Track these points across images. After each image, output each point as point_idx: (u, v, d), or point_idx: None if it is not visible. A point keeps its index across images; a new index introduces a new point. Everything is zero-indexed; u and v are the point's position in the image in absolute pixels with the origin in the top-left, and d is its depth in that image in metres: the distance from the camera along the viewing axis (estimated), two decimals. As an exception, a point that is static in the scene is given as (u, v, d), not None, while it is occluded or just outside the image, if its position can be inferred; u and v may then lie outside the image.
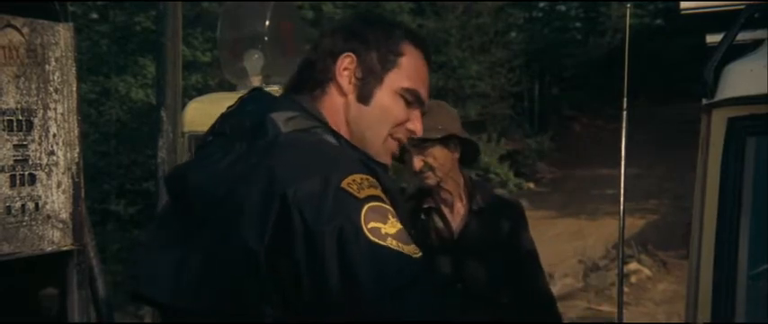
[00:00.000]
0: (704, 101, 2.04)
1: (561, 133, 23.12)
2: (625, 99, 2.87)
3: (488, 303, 2.79)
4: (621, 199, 2.95)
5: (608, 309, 9.96)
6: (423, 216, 2.87)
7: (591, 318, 9.50)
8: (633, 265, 11.68)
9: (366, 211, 1.35)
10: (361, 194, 1.37)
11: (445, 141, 2.78)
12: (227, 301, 1.41)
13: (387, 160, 1.62)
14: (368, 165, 1.46)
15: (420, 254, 1.37)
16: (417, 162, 2.76)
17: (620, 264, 3.15)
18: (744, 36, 2.30)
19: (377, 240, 1.33)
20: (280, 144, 1.45)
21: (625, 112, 2.88)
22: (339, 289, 1.31)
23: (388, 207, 1.39)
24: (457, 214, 2.86)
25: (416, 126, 1.63)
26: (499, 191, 3.16)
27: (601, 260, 12.47)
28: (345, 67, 1.59)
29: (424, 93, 1.63)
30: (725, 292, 1.89)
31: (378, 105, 1.60)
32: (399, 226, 1.38)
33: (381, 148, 1.61)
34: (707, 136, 2.00)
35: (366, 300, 1.31)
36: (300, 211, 1.35)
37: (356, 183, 1.38)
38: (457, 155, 2.83)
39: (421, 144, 2.73)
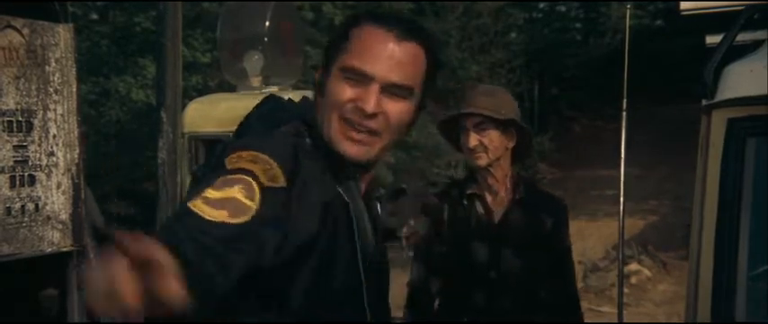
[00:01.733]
0: (704, 102, 2.04)
1: (561, 134, 23.12)
2: (625, 100, 2.87)
3: (520, 295, 2.80)
4: (621, 200, 2.95)
5: (608, 309, 9.96)
6: (465, 202, 2.87)
7: (591, 318, 9.49)
8: (633, 266, 11.68)
9: (220, 180, 1.38)
10: (230, 165, 1.41)
11: (504, 126, 2.80)
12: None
13: (347, 149, 1.56)
14: (289, 154, 1.49)
15: (224, 220, 1.31)
16: (473, 139, 2.78)
17: (621, 264, 3.15)
18: (744, 37, 2.30)
19: (187, 201, 1.35)
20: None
21: (625, 113, 2.88)
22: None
23: (248, 180, 1.38)
24: (499, 203, 2.87)
25: (367, 103, 1.53)
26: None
27: (601, 261, 12.47)
28: (319, 72, 1.65)
29: (375, 67, 1.54)
30: (725, 292, 1.89)
31: (327, 93, 1.59)
32: (234, 195, 1.35)
33: (335, 134, 1.57)
34: (707, 137, 2.00)
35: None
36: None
37: (239, 157, 1.43)
38: (511, 144, 2.84)
39: (481, 124, 2.77)
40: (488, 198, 2.87)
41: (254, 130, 1.59)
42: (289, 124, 1.59)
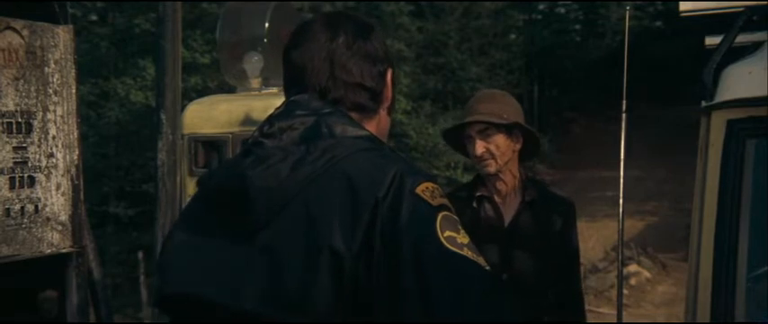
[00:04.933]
0: (703, 103, 2.04)
1: (561, 135, 23.13)
2: (624, 101, 2.87)
3: (532, 296, 2.81)
4: (621, 201, 2.95)
5: (607, 311, 9.97)
6: (474, 204, 2.88)
7: (591, 319, 9.48)
8: (633, 267, 11.70)
9: (441, 219, 1.35)
10: (435, 202, 1.38)
11: (509, 130, 2.80)
12: (298, 301, 1.39)
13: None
14: (429, 174, 1.47)
15: (487, 267, 1.37)
16: (480, 147, 2.78)
17: (620, 266, 3.15)
18: (743, 38, 2.30)
19: (454, 249, 1.34)
20: (343, 146, 1.45)
21: (624, 114, 2.88)
22: (413, 297, 1.31)
23: (456, 218, 1.39)
24: (509, 205, 2.87)
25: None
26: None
27: (600, 262, 12.47)
28: (391, 83, 1.62)
29: None
30: (724, 294, 1.89)
31: (392, 111, 1.64)
32: (468, 238, 1.38)
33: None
34: (706, 138, 2.00)
35: (440, 309, 1.30)
36: (382, 218, 1.35)
37: (429, 190, 1.39)
38: (518, 146, 2.85)
39: (485, 130, 2.77)
40: (498, 200, 2.88)
41: (374, 148, 1.50)
42: (370, 138, 1.52)
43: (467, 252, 1.34)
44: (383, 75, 1.60)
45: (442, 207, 1.38)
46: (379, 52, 1.60)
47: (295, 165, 1.44)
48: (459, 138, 2.91)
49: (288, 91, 1.63)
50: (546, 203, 2.88)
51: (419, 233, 1.34)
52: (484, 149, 2.78)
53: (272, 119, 1.55)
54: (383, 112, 1.62)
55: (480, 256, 1.36)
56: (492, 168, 2.80)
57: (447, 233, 1.34)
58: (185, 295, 1.54)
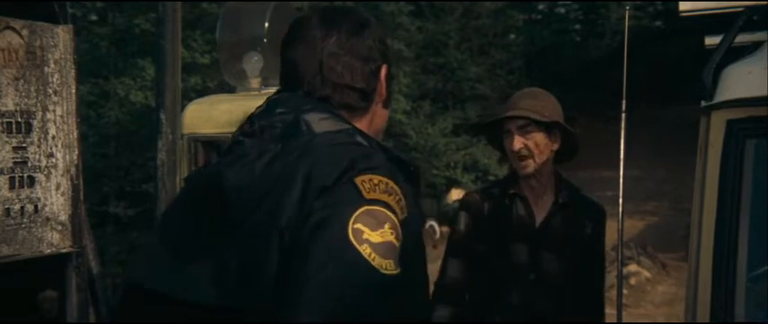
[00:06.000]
0: (703, 103, 2.04)
1: (560, 135, 23.07)
2: (624, 101, 2.87)
3: (557, 296, 2.80)
4: (620, 201, 2.95)
5: (607, 311, 9.94)
6: (507, 201, 2.87)
7: (590, 320, 9.47)
8: (632, 267, 11.67)
9: (362, 211, 1.33)
10: (369, 195, 1.35)
11: (549, 128, 2.79)
12: (268, 300, 1.38)
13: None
14: (396, 173, 1.44)
15: (394, 271, 1.32)
16: (518, 142, 2.76)
17: (620, 266, 3.15)
18: (743, 38, 2.30)
19: (353, 241, 1.30)
20: (315, 145, 1.44)
21: (624, 114, 2.88)
22: (296, 276, 1.29)
23: (391, 216, 1.35)
24: (542, 206, 2.86)
25: None
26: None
27: (600, 262, 12.41)
28: (385, 80, 1.62)
29: None
30: (724, 294, 1.89)
31: (389, 105, 1.64)
32: (391, 239, 1.33)
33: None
34: (706, 138, 2.00)
35: (313, 296, 1.27)
36: (317, 203, 1.34)
37: (371, 182, 1.36)
38: (556, 146, 2.83)
39: (525, 127, 2.75)
40: (530, 199, 2.86)
41: (338, 137, 1.48)
42: (345, 129, 1.51)
43: (365, 248, 1.30)
44: (376, 73, 1.60)
45: (373, 201, 1.34)
46: (374, 50, 1.59)
47: (270, 162, 1.44)
48: (497, 133, 2.89)
49: (281, 86, 1.64)
50: (578, 207, 2.87)
51: (329, 217, 1.32)
52: (522, 145, 2.76)
53: (252, 118, 1.56)
54: (377, 108, 1.62)
55: (388, 259, 1.31)
56: (530, 169, 2.78)
57: (358, 225, 1.31)
58: (149, 290, 1.52)
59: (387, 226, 1.34)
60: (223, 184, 1.46)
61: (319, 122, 1.48)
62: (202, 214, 1.51)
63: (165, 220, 1.68)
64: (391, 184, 1.38)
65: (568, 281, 2.82)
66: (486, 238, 2.87)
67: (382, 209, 1.34)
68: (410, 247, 1.42)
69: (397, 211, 1.37)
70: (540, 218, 2.85)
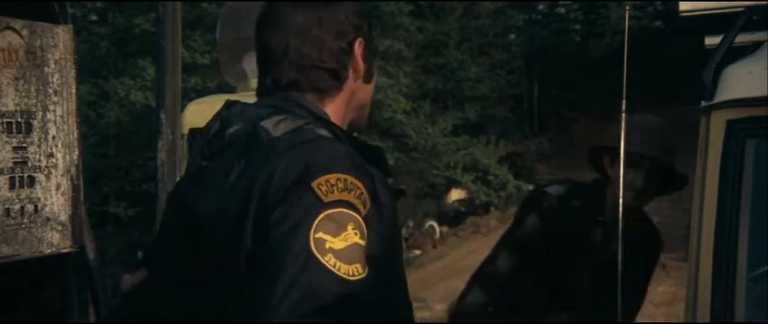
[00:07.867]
0: (703, 103, 2.04)
1: (560, 135, 23.11)
2: (624, 101, 2.87)
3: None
4: (621, 201, 2.94)
5: (607, 311, 9.93)
6: (588, 223, 2.84)
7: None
8: (632, 267, 11.65)
9: (322, 218, 1.29)
10: (328, 198, 1.31)
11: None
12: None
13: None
14: (360, 165, 1.40)
15: (360, 275, 1.29)
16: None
17: (620, 266, 3.14)
18: (743, 38, 2.30)
19: (315, 254, 1.27)
20: (274, 152, 1.39)
21: (624, 114, 2.87)
22: (265, 295, 1.26)
23: (353, 215, 1.32)
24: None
25: None
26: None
27: (600, 262, 12.40)
28: (361, 55, 1.56)
29: None
30: (724, 294, 1.89)
31: (372, 78, 1.60)
32: (355, 240, 1.30)
33: (365, 116, 1.62)
34: (706, 138, 1.99)
35: (282, 315, 1.24)
36: (272, 213, 1.32)
37: (328, 183, 1.32)
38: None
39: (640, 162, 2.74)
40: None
41: (285, 138, 1.43)
42: (304, 125, 1.46)
43: (328, 259, 1.27)
44: (348, 49, 1.54)
45: (333, 203, 1.31)
46: (345, 24, 1.54)
47: (237, 179, 1.41)
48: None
49: (258, 73, 1.62)
50: (643, 238, 2.94)
51: (287, 231, 1.29)
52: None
53: (209, 140, 1.51)
54: (356, 84, 1.57)
55: (353, 264, 1.28)
56: (637, 202, 2.83)
57: (319, 234, 1.28)
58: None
59: (349, 227, 1.31)
60: (199, 217, 1.44)
61: (277, 126, 1.44)
62: (183, 249, 1.50)
63: (149, 254, 1.70)
64: (350, 179, 1.34)
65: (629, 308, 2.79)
66: (551, 253, 2.81)
67: (343, 210, 1.31)
68: (387, 237, 1.40)
69: (360, 206, 1.34)
70: (612, 246, 2.72)
